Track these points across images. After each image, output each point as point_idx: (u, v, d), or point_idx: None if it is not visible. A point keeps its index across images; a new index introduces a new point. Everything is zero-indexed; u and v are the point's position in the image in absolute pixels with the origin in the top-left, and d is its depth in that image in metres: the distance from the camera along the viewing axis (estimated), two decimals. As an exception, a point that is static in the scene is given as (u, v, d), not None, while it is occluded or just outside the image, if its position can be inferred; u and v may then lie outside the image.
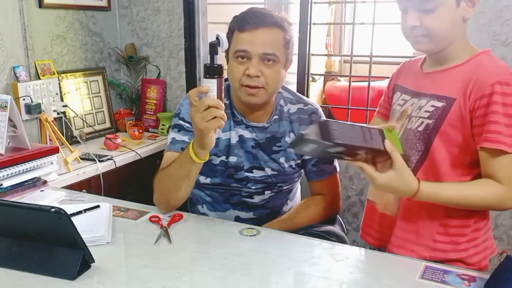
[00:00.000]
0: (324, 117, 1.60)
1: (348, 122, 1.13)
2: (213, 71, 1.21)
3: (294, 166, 1.56)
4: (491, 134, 1.12)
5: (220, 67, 1.22)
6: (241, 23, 1.43)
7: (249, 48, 1.40)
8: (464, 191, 1.18)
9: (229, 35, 1.47)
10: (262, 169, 1.54)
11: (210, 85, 1.21)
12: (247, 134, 1.53)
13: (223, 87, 1.24)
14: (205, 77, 1.22)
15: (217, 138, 1.52)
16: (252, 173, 1.54)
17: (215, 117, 1.20)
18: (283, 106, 1.56)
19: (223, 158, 1.53)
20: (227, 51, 1.49)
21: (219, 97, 1.22)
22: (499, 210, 1.22)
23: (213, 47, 1.22)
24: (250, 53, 1.40)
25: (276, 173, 1.54)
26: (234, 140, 1.53)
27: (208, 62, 1.22)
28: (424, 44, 1.21)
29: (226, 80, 1.54)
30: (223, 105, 1.22)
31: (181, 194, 1.38)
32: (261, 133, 1.53)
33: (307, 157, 1.56)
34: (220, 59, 1.23)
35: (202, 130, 1.22)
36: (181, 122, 1.53)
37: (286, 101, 1.57)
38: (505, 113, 1.11)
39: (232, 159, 1.53)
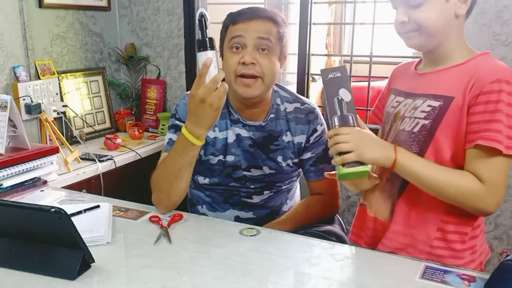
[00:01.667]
0: (321, 117, 1.60)
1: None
2: (208, 42, 1.22)
3: (291, 165, 1.56)
4: (490, 132, 1.09)
5: (213, 39, 1.24)
6: (234, 17, 1.45)
7: (244, 34, 1.41)
8: (440, 168, 1.15)
9: (224, 31, 1.48)
10: (260, 168, 1.54)
11: (211, 57, 1.22)
12: (244, 133, 1.53)
13: (218, 59, 1.26)
14: (200, 50, 1.23)
15: (214, 138, 1.53)
16: (250, 171, 1.54)
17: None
18: (279, 105, 1.56)
19: (220, 157, 1.53)
20: (222, 45, 1.50)
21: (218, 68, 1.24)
22: (471, 209, 1.18)
23: (201, 23, 1.25)
24: (245, 39, 1.41)
25: (274, 171, 1.54)
26: (231, 139, 1.53)
27: (200, 36, 1.24)
28: (415, 39, 1.21)
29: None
30: (223, 74, 1.23)
31: (183, 184, 1.37)
32: (257, 132, 1.53)
33: (305, 157, 1.56)
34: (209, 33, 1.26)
35: (218, 107, 1.23)
36: (177, 123, 1.53)
37: (283, 100, 1.57)
38: (507, 113, 1.09)
39: (230, 158, 1.53)
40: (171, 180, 1.36)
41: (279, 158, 1.54)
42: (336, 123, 1.17)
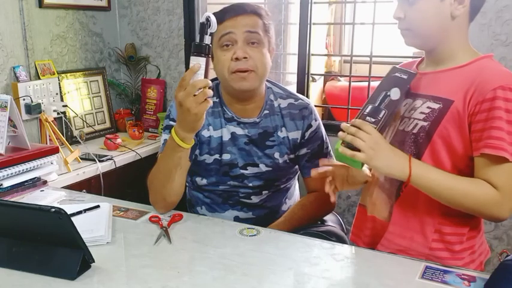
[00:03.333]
0: (315, 113, 1.60)
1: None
2: (202, 48, 1.21)
3: (288, 161, 1.56)
4: (493, 140, 1.08)
5: (209, 46, 1.22)
6: (220, 16, 1.45)
7: (233, 30, 1.43)
8: (455, 179, 1.14)
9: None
10: (257, 165, 1.54)
11: (200, 63, 1.21)
12: (239, 131, 1.54)
13: (209, 67, 1.24)
14: (193, 54, 1.22)
15: (209, 137, 1.54)
16: (247, 170, 1.54)
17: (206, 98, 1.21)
18: (273, 101, 1.57)
19: (216, 156, 1.53)
20: (212, 45, 1.50)
21: (206, 76, 1.23)
22: (487, 216, 1.18)
23: (203, 27, 1.22)
24: (234, 35, 1.43)
25: (271, 168, 1.54)
26: (226, 137, 1.54)
27: (198, 41, 1.23)
28: (409, 39, 1.21)
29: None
30: (210, 82, 1.22)
31: (176, 186, 1.38)
32: (252, 129, 1.54)
33: (301, 153, 1.57)
34: (209, 40, 1.24)
35: (197, 114, 1.22)
36: (172, 123, 1.53)
37: (277, 96, 1.58)
38: (508, 120, 1.08)
39: (226, 156, 1.54)
40: (163, 181, 1.37)
41: (276, 154, 1.54)
42: (367, 110, 1.17)
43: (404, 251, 1.24)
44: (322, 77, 3.73)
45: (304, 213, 1.54)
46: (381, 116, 1.15)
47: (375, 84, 2.85)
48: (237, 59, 1.42)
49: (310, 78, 2.53)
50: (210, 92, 1.22)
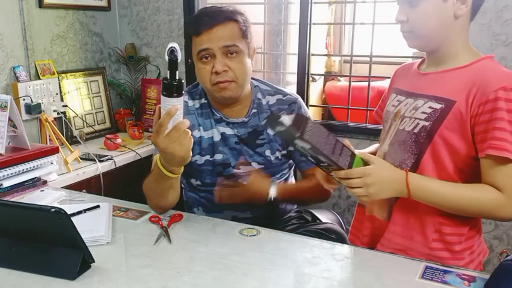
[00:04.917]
0: (304, 107, 1.61)
1: (326, 131, 1.09)
2: (176, 88, 1.14)
3: (280, 157, 1.57)
4: (496, 141, 1.08)
5: (182, 83, 1.16)
6: (196, 27, 1.46)
7: (210, 45, 1.43)
8: (456, 187, 1.15)
9: (188, 42, 1.49)
10: (249, 164, 1.55)
11: (178, 104, 1.15)
12: (228, 131, 1.55)
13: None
14: (170, 96, 1.14)
15: (200, 137, 1.54)
16: (240, 169, 1.55)
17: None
18: (261, 99, 1.57)
19: (207, 157, 1.54)
20: (191, 56, 1.51)
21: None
22: (494, 219, 1.18)
23: (173, 63, 1.14)
24: (212, 50, 1.43)
25: (263, 166, 1.55)
26: (217, 137, 1.55)
27: (168, 77, 1.15)
28: (411, 41, 1.21)
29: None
30: (188, 122, 1.18)
31: (170, 200, 1.38)
32: (242, 128, 1.55)
33: (293, 148, 1.56)
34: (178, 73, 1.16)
35: (183, 156, 1.19)
36: None
37: (264, 94, 1.59)
38: (510, 120, 1.08)
39: (218, 156, 1.54)
40: (157, 198, 1.37)
41: (267, 152, 1.55)
42: (323, 160, 1.08)
43: (404, 251, 1.24)
44: (322, 77, 3.73)
45: (309, 183, 1.54)
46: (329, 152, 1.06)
47: (375, 84, 2.86)
48: (216, 72, 1.43)
49: (310, 78, 2.53)
50: (189, 131, 1.18)
